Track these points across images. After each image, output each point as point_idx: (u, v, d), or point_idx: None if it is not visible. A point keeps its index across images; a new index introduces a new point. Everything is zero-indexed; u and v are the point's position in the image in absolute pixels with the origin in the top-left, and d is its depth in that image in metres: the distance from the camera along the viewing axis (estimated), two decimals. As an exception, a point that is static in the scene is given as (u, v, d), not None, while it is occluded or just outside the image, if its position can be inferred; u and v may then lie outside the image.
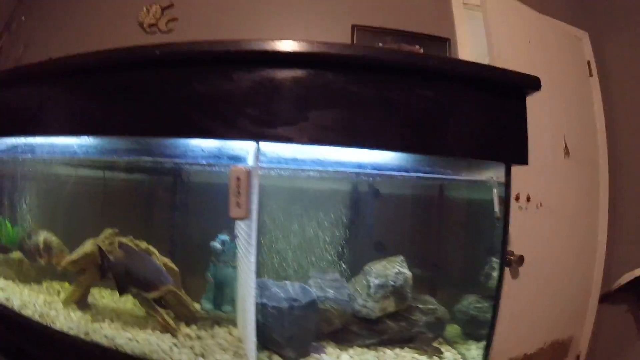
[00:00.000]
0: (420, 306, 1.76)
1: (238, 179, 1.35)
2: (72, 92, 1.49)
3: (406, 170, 1.71)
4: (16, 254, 1.87)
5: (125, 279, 1.48)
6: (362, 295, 1.67)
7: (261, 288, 1.50)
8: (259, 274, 1.78)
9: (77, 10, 2.52)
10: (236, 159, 1.45)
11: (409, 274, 1.73)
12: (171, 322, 1.57)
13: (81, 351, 1.50)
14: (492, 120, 1.37)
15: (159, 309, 1.58)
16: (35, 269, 1.82)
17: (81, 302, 1.67)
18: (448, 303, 1.84)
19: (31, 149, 1.64)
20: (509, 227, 1.50)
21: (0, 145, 1.78)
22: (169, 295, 1.59)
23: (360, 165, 1.68)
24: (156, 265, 1.50)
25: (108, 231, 1.67)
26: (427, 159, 1.58)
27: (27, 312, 1.66)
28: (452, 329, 1.84)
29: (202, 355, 1.46)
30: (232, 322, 1.70)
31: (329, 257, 1.84)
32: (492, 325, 1.54)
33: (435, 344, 1.70)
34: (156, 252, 1.63)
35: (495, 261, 1.73)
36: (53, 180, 1.82)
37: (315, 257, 1.83)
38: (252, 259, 1.38)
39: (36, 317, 1.63)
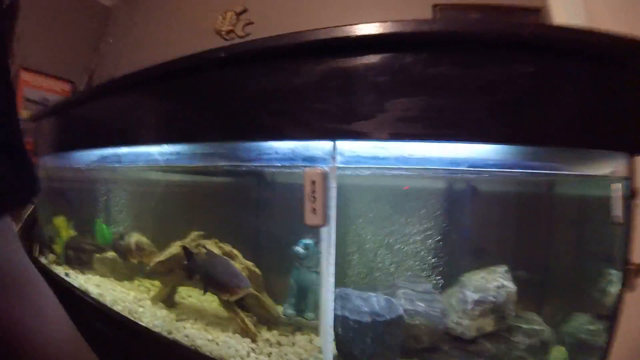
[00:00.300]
0: (524, 326, 1.49)
1: (313, 182, 1.24)
2: (150, 101, 1.54)
3: (506, 166, 1.45)
4: (110, 254, 2.02)
5: (206, 280, 1.50)
6: (457, 311, 1.46)
7: (342, 298, 1.39)
8: (342, 282, 1.68)
9: (157, 28, 2.67)
10: (311, 159, 1.35)
11: (512, 288, 1.47)
12: (251, 325, 1.54)
13: (162, 348, 1.54)
14: (610, 100, 1.08)
15: (239, 311, 1.57)
16: (127, 268, 1.96)
17: (168, 301, 1.75)
18: (555, 322, 1.53)
19: (119, 157, 1.76)
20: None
21: (94, 155, 1.96)
22: (249, 298, 1.57)
23: (453, 162, 1.45)
24: (233, 268, 1.49)
25: (194, 233, 1.72)
26: (531, 150, 1.31)
27: (118, 307, 1.79)
28: (558, 353, 1.53)
29: None
30: (314, 330, 1.62)
31: (421, 266, 1.66)
32: (606, 351, 1.24)
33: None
34: (239, 255, 1.62)
35: (613, 273, 1.39)
36: (142, 185, 1.93)
37: (406, 265, 1.66)
38: (331, 268, 1.28)
39: (126, 313, 1.74)
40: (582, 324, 1.53)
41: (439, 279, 1.66)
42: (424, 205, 1.67)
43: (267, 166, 1.45)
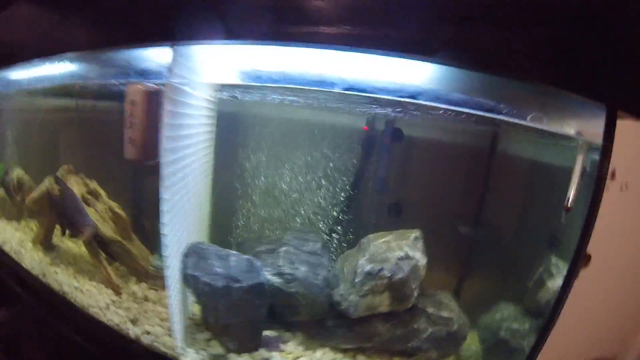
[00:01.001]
0: (431, 311, 1.21)
1: (132, 103, 0.92)
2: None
3: (441, 100, 1.10)
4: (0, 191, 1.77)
5: (59, 219, 1.28)
6: (345, 282, 1.19)
7: (197, 255, 1.13)
8: (211, 236, 1.43)
9: None
10: (144, 73, 1.04)
11: (421, 261, 1.18)
12: (114, 276, 1.32)
13: (38, 291, 1.39)
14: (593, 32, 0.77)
15: (103, 259, 1.35)
16: (16, 206, 1.72)
17: (45, 243, 1.54)
18: (474, 310, 1.26)
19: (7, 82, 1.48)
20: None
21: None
22: (115, 245, 1.34)
23: (369, 88, 1.11)
24: (79, 204, 1.24)
25: (64, 168, 1.47)
26: (479, 81, 0.99)
27: (6, 248, 1.59)
28: (471, 348, 1.26)
29: (133, 322, 1.19)
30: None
31: (318, 220, 1.37)
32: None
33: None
34: (103, 194, 1.37)
35: (555, 263, 1.09)
36: (25, 113, 1.66)
37: (298, 218, 1.39)
38: (167, 215, 1.00)
39: (12, 254, 1.56)
40: (506, 318, 1.25)
41: (338, 238, 1.39)
42: (331, 146, 1.35)
43: (101, 84, 1.16)
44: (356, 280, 1.14)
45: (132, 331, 1.14)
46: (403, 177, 1.37)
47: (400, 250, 1.18)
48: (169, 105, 0.90)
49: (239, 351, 1.12)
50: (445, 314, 1.21)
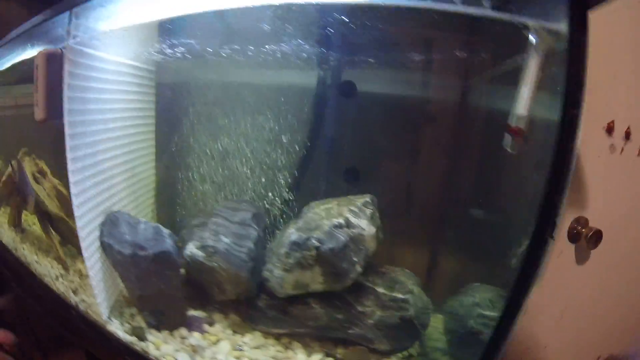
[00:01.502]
0: (381, 290, 1.00)
1: (37, 67, 0.97)
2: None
3: None
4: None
5: (18, 195, 1.29)
6: (273, 257, 1.03)
7: (112, 223, 1.03)
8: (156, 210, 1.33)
9: None
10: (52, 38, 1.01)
11: (367, 230, 0.99)
12: (61, 252, 1.29)
13: (10, 264, 1.44)
14: None
15: (53, 235, 1.32)
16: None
17: (15, 223, 1.56)
18: (440, 292, 1.02)
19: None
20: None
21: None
22: (59, 222, 1.31)
23: None
24: (25, 177, 1.24)
25: (22, 151, 1.49)
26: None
27: None
28: (436, 337, 1.02)
29: (74, 292, 1.18)
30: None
31: (259, 187, 1.22)
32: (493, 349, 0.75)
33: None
34: (48, 171, 1.35)
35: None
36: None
37: (241, 187, 1.25)
38: (73, 177, 0.94)
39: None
40: (479, 303, 0.99)
41: (284, 209, 1.21)
42: (277, 104, 1.19)
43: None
44: (281, 251, 0.97)
45: (73, 299, 1.16)
46: (359, 138, 1.18)
47: (339, 216, 0.99)
48: (70, 67, 0.93)
49: (158, 327, 1.01)
50: (399, 295, 0.99)
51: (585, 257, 0.83)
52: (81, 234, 0.98)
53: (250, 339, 1.02)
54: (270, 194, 1.22)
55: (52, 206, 1.31)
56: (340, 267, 0.95)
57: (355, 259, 0.96)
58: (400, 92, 1.13)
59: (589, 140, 0.76)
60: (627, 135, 0.87)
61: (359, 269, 0.97)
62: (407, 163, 1.16)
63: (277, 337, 1.02)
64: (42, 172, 1.35)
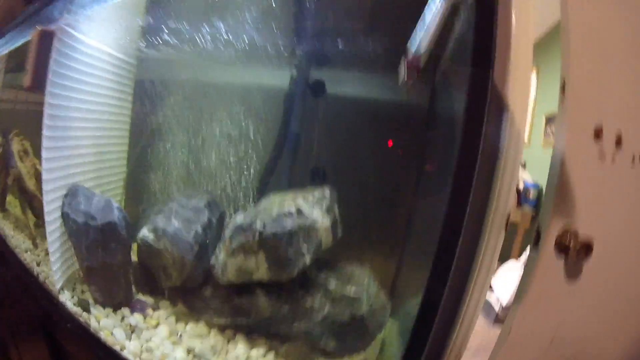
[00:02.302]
0: (332, 286, 0.93)
1: (31, 42, 1.05)
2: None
3: None
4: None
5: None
6: (220, 243, 0.98)
7: (72, 195, 1.03)
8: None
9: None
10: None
11: (320, 222, 0.93)
12: (32, 229, 1.32)
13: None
14: None
15: (28, 213, 1.35)
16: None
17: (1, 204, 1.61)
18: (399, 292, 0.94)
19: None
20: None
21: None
22: (36, 201, 1.32)
23: None
24: (9, 152, 1.30)
25: (14, 132, 1.54)
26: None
27: None
28: (390, 341, 0.93)
29: (39, 264, 1.22)
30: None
31: (230, 183, 1.20)
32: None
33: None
34: (31, 151, 1.38)
35: None
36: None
37: (202, 179, 1.23)
38: (46, 154, 0.96)
39: None
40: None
41: (243, 201, 1.17)
42: (245, 105, 1.18)
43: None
44: (226, 235, 0.93)
45: (36, 270, 1.18)
46: (326, 137, 1.14)
47: (291, 205, 0.94)
48: (58, 45, 1.02)
49: (102, 303, 0.99)
50: (351, 292, 0.92)
51: (577, 274, 0.73)
52: (47, 208, 1.00)
53: (191, 327, 0.96)
54: (235, 189, 1.19)
55: (30, 184, 1.34)
56: (284, 255, 0.89)
57: (303, 250, 0.91)
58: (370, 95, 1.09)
59: (575, 145, 0.68)
60: (618, 142, 0.78)
61: (307, 260, 0.91)
62: (372, 165, 1.11)
63: (221, 329, 0.97)
64: (26, 152, 1.38)
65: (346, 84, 1.13)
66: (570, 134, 0.69)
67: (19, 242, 1.34)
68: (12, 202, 1.57)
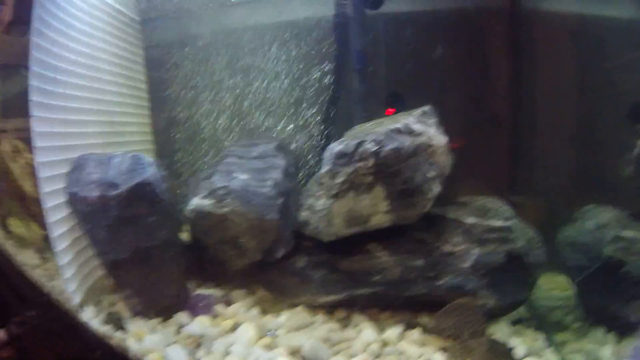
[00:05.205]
0: (471, 221, 0.69)
1: None
2: None
3: None
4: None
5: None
6: (313, 188, 0.72)
7: (78, 169, 0.71)
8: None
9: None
10: None
11: (436, 140, 0.69)
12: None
13: None
14: None
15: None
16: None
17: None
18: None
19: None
20: None
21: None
22: (35, 204, 1.02)
23: None
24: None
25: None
26: None
27: None
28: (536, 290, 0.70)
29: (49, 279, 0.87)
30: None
31: (291, 118, 0.97)
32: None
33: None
34: (22, 147, 1.11)
35: None
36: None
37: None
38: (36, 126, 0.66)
39: None
40: (607, 225, 0.68)
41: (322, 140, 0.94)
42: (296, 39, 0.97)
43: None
44: (323, 171, 0.67)
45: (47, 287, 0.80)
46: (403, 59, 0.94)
47: (395, 123, 0.70)
48: None
49: (142, 312, 0.66)
50: (497, 222, 0.68)
51: None
52: (45, 189, 0.68)
53: (287, 318, 0.66)
54: (297, 134, 0.97)
55: (27, 185, 1.08)
56: (412, 180, 0.64)
57: (428, 175, 0.66)
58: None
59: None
60: None
61: (436, 187, 0.67)
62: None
63: (329, 310, 0.68)
64: (16, 151, 1.10)
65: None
66: None
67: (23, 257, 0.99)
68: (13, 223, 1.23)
